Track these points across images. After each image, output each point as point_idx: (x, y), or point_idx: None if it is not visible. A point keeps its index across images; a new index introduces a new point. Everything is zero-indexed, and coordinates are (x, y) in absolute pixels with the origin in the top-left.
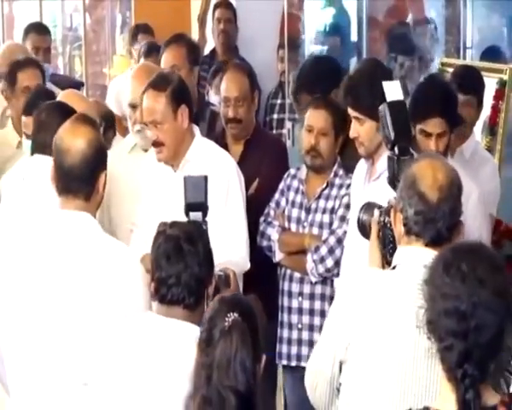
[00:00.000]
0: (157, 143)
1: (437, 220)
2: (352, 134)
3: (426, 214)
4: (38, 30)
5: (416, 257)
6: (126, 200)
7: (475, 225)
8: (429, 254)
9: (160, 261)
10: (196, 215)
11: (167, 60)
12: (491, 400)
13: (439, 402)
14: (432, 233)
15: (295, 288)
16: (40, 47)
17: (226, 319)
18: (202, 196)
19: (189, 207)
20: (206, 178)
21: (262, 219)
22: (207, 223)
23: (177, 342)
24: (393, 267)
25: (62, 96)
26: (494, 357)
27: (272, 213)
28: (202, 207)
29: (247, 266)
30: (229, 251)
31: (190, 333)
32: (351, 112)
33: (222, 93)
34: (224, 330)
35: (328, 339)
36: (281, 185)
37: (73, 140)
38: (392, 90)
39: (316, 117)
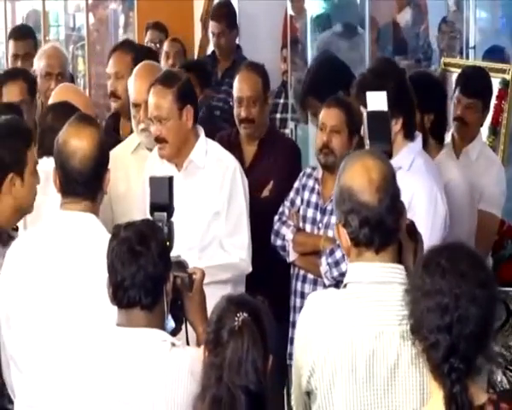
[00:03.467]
0: (160, 140)
1: (384, 221)
2: (363, 132)
3: (372, 221)
4: (17, 36)
5: (366, 274)
6: (130, 200)
7: (463, 217)
8: (378, 270)
9: (115, 265)
10: (161, 216)
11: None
12: (479, 398)
13: (430, 405)
14: (381, 236)
15: (308, 289)
16: (18, 55)
17: (236, 318)
18: (166, 197)
19: (154, 208)
20: (170, 179)
21: (276, 217)
22: (173, 223)
23: (141, 352)
24: (345, 285)
25: (58, 90)
26: (479, 350)
27: (287, 211)
28: (167, 208)
29: (249, 268)
30: (230, 253)
31: (152, 339)
32: (362, 110)
33: (235, 93)
34: (233, 329)
35: (294, 371)
36: (296, 184)
37: (79, 144)
38: (376, 101)
39: (328, 115)
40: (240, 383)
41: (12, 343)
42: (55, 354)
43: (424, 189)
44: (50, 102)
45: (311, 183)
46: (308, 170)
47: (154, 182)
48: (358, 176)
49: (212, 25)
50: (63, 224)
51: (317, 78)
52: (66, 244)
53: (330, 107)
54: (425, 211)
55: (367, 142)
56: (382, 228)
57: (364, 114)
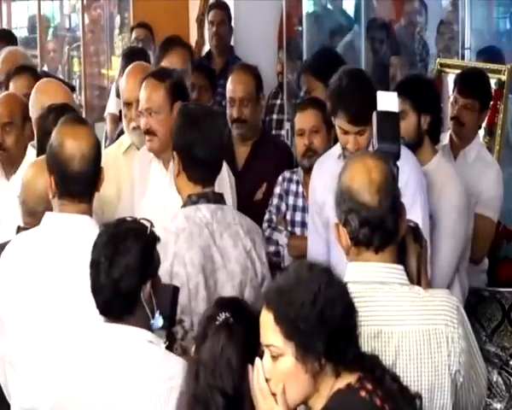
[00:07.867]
0: (149, 132)
1: (384, 222)
2: (353, 148)
3: (371, 222)
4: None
5: (365, 274)
6: (120, 200)
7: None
8: (378, 270)
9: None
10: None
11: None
12: (347, 379)
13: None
14: (380, 237)
15: None
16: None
17: (218, 318)
18: (168, 307)
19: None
20: (176, 288)
21: (265, 225)
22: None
23: (127, 350)
24: None
25: (39, 85)
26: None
27: (274, 218)
28: (169, 318)
29: None
30: None
31: (138, 338)
32: (349, 128)
33: (227, 94)
34: (213, 329)
35: None
36: (277, 189)
37: (78, 145)
38: (387, 101)
39: (305, 118)
40: (214, 383)
41: (8, 346)
42: (51, 356)
43: (415, 171)
44: (34, 96)
45: (293, 187)
46: (287, 174)
47: (160, 289)
48: (359, 176)
49: (212, 14)
50: (59, 227)
51: (319, 58)
52: (61, 248)
53: (304, 110)
54: (418, 190)
55: (375, 142)
56: (382, 228)
57: (374, 114)
